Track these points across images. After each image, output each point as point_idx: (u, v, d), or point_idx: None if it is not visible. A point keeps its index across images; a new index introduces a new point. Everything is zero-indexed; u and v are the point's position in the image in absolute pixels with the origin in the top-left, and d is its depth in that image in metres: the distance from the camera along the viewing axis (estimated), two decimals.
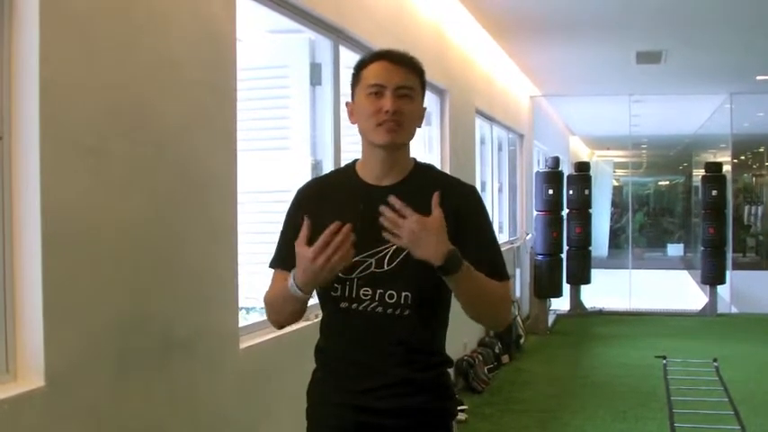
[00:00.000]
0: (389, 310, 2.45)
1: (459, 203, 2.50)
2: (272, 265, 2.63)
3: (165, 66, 3.10)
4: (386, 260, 2.44)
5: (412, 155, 2.61)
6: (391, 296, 2.44)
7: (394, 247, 2.41)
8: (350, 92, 2.59)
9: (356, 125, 2.55)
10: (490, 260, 2.51)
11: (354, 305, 2.47)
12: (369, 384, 2.48)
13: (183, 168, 3.21)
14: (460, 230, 2.44)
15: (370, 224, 2.42)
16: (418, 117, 2.53)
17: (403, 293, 2.44)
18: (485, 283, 2.44)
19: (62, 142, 2.52)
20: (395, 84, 2.46)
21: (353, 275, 2.46)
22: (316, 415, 2.62)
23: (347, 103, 2.60)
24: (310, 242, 2.38)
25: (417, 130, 2.55)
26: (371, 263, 2.45)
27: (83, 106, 2.62)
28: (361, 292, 2.46)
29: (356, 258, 2.43)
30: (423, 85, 2.55)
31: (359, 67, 2.55)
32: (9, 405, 2.33)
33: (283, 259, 2.56)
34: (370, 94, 2.47)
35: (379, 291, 2.45)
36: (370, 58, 2.54)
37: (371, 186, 2.54)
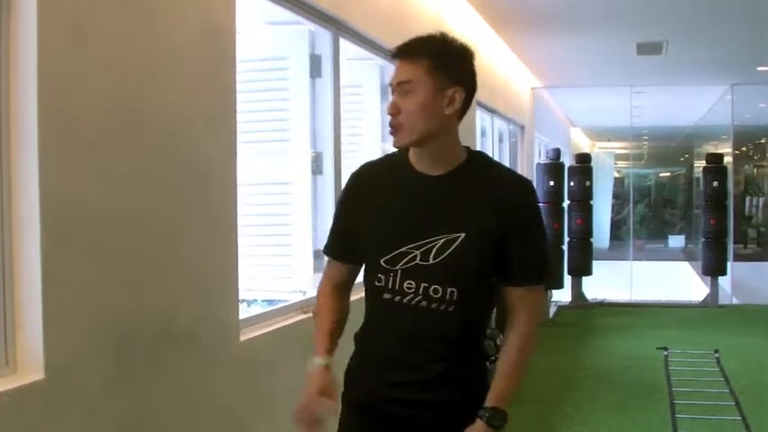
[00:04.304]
0: (434, 305, 2.41)
1: (513, 200, 2.45)
2: (325, 251, 2.66)
3: (164, 59, 3.09)
4: (432, 253, 2.40)
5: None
6: (436, 291, 2.41)
7: (442, 240, 2.38)
8: None
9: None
10: (533, 264, 2.48)
11: (398, 297, 2.44)
12: (406, 377, 2.47)
13: (182, 161, 3.20)
14: (509, 229, 2.40)
15: (419, 215, 2.43)
16: (429, 107, 2.39)
17: (449, 289, 2.40)
18: (521, 375, 2.49)
19: (61, 137, 2.51)
20: (395, 81, 2.42)
21: (398, 267, 2.42)
22: (351, 402, 2.60)
23: None
24: (360, 235, 2.50)
25: (446, 113, 2.41)
26: (417, 255, 2.41)
27: (81, 101, 2.61)
28: (405, 284, 2.42)
29: (402, 249, 2.41)
30: (437, 66, 2.40)
31: None
32: (9, 398, 2.33)
33: (336, 248, 2.62)
34: (391, 95, 2.46)
35: (423, 284, 2.41)
36: (391, 54, 2.50)
37: (423, 176, 2.48)
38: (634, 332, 10.51)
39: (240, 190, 3.65)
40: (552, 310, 11.64)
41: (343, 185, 2.70)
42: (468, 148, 2.54)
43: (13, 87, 2.43)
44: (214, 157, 3.48)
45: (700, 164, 16.71)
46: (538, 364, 8.70)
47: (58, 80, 2.50)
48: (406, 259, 2.41)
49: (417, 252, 2.40)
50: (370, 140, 5.90)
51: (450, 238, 2.38)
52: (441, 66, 2.41)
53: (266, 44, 4.89)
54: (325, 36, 4.87)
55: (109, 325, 2.75)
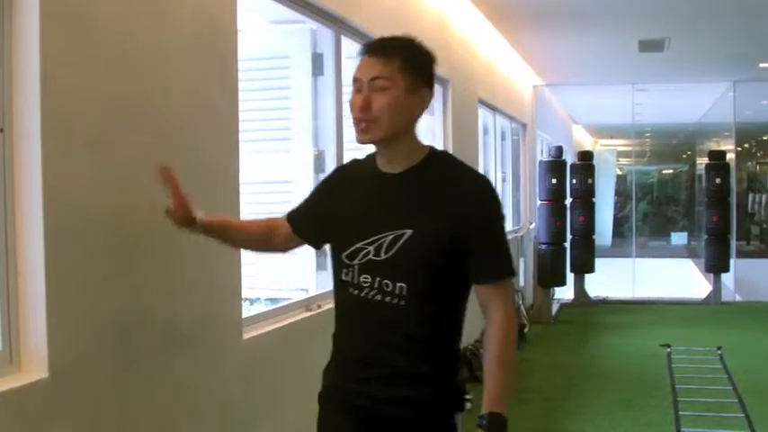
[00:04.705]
0: (387, 299, 2.45)
1: (469, 198, 2.48)
2: (287, 213, 2.80)
3: (166, 57, 3.10)
4: (383, 249, 2.45)
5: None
6: (387, 285, 2.45)
7: (390, 236, 2.43)
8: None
9: None
10: (494, 261, 2.51)
11: (356, 291, 2.49)
12: (371, 372, 2.50)
13: (184, 160, 3.20)
14: (465, 228, 2.43)
15: (374, 212, 2.50)
16: (401, 105, 2.45)
17: (398, 284, 2.44)
18: (511, 374, 2.53)
19: (64, 135, 2.51)
20: (368, 77, 2.44)
21: (355, 262, 2.48)
22: (325, 397, 2.65)
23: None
24: (322, 230, 2.66)
25: (415, 113, 2.51)
26: (370, 250, 2.46)
27: (84, 99, 2.61)
28: (362, 278, 2.48)
29: (358, 245, 2.47)
30: (409, 66, 2.47)
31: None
32: (13, 396, 2.34)
33: (296, 217, 2.77)
34: (353, 90, 2.48)
35: (377, 278, 2.46)
36: (358, 51, 2.53)
37: (382, 173, 2.55)
38: (637, 329, 10.51)
39: (242, 188, 3.65)
40: (555, 307, 11.65)
41: None
42: (431, 147, 2.59)
43: (16, 85, 2.43)
44: (216, 156, 3.48)
45: (702, 161, 16.71)
46: (541, 361, 8.72)
47: (61, 78, 2.50)
48: (361, 254, 2.47)
49: (371, 248, 2.46)
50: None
51: (398, 234, 2.43)
52: (412, 66, 2.48)
53: (268, 43, 4.90)
54: (326, 34, 4.87)
55: (112, 323, 2.76)
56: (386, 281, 2.44)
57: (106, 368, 2.72)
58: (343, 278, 2.53)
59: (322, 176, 4.84)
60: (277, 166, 4.81)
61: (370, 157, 2.62)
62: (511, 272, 2.54)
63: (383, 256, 2.44)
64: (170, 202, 2.62)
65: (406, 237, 2.42)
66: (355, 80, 2.47)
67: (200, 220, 2.69)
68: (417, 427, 2.48)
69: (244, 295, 3.79)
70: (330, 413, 2.62)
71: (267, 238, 2.86)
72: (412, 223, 2.43)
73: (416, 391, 2.48)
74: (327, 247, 2.72)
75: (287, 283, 4.64)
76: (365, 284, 2.47)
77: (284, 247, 2.93)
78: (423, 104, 2.53)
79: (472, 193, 2.49)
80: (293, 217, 2.79)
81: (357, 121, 2.45)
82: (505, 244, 2.56)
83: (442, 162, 2.58)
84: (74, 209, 2.57)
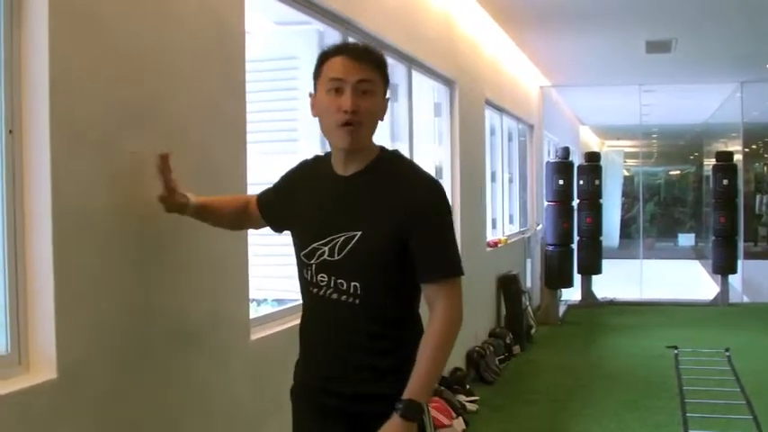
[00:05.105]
0: (343, 297, 2.54)
1: (414, 195, 2.54)
2: (259, 193, 2.94)
3: (173, 59, 3.10)
4: (336, 249, 2.53)
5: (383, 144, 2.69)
6: (341, 284, 2.54)
7: (342, 237, 2.52)
8: (312, 83, 2.62)
9: (317, 118, 2.61)
10: (439, 260, 2.55)
11: (315, 290, 2.60)
12: (335, 370, 2.60)
13: (192, 161, 3.21)
14: (411, 227, 2.50)
15: (328, 213, 2.58)
16: (380, 112, 2.57)
17: (352, 283, 2.53)
18: (437, 366, 2.52)
19: (72, 136, 2.52)
20: (355, 78, 2.48)
21: (312, 261, 2.58)
22: (296, 393, 2.77)
23: (310, 95, 2.63)
24: (284, 223, 2.80)
25: (380, 123, 2.62)
26: (325, 251, 2.55)
27: (92, 101, 2.62)
28: (318, 277, 2.57)
29: (314, 245, 2.57)
30: (385, 78, 2.58)
31: (320, 61, 2.58)
32: (21, 397, 2.34)
33: (264, 204, 2.90)
34: (330, 90, 2.51)
35: (332, 278, 2.55)
36: (332, 51, 2.57)
37: (335, 175, 2.62)
38: (644, 331, 10.50)
39: (250, 189, 3.66)
40: (562, 309, 11.64)
41: None
42: (381, 147, 2.66)
43: (25, 87, 2.44)
44: (224, 157, 3.49)
45: (709, 162, 16.66)
46: (548, 362, 8.72)
47: (69, 80, 2.51)
48: (317, 254, 2.57)
49: (325, 248, 2.55)
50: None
51: (349, 235, 2.52)
52: (385, 75, 2.58)
53: (275, 44, 4.90)
54: (333, 36, 4.87)
55: (120, 324, 2.76)
56: (340, 280, 2.54)
57: (114, 369, 2.73)
58: (304, 275, 2.63)
59: None
60: (284, 166, 4.80)
61: (328, 157, 2.70)
62: (456, 271, 2.57)
63: (336, 257, 2.53)
64: (162, 188, 2.76)
65: (356, 238, 2.51)
66: (334, 80, 2.49)
67: (193, 204, 2.85)
68: (382, 422, 2.49)
69: (251, 296, 3.79)
70: (301, 413, 2.74)
71: (239, 218, 3.05)
72: (361, 225, 2.52)
73: (380, 386, 2.55)
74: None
75: (294, 284, 4.63)
76: (322, 283, 2.58)
77: (253, 226, 3.19)
78: (385, 111, 2.63)
79: (418, 193, 2.55)
80: (262, 202, 2.93)
81: (345, 123, 2.48)
82: (452, 243, 2.60)
83: (391, 163, 2.64)
84: (82, 210, 2.57)
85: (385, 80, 2.58)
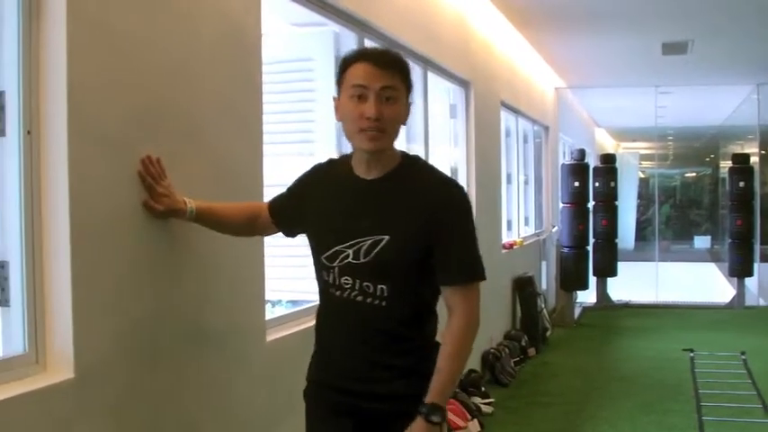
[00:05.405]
0: (369, 300, 2.57)
1: (438, 200, 2.58)
2: (270, 200, 2.96)
3: (191, 60, 3.11)
4: (361, 252, 2.55)
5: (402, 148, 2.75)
6: (368, 287, 2.57)
7: (369, 241, 2.54)
8: (336, 88, 2.64)
9: (338, 122, 2.64)
10: (461, 265, 2.59)
11: (338, 292, 2.62)
12: (350, 367, 2.64)
13: (208, 163, 3.22)
14: (435, 232, 2.54)
15: (352, 216, 2.60)
16: (403, 118, 2.60)
17: (378, 286, 2.56)
18: (458, 369, 2.60)
19: (90, 138, 2.53)
20: (378, 86, 2.50)
21: (335, 264, 2.60)
22: (309, 393, 2.80)
23: (333, 99, 2.65)
24: (297, 226, 2.83)
25: (402, 128, 2.64)
26: (349, 254, 2.57)
27: (109, 103, 2.63)
28: (342, 280, 2.60)
29: (337, 248, 2.59)
30: (408, 83, 2.59)
31: (343, 66, 2.60)
32: (39, 396, 2.35)
33: (277, 210, 2.91)
34: (353, 96, 2.53)
35: (357, 280, 2.57)
36: (354, 57, 2.59)
37: (359, 180, 2.64)
38: (659, 334, 10.47)
39: (266, 191, 3.66)
40: (577, 311, 11.62)
41: None
42: (403, 152, 2.69)
43: (44, 89, 2.45)
44: (241, 158, 3.49)
45: (725, 164, 16.60)
46: (563, 364, 8.70)
47: (87, 82, 2.52)
48: (340, 257, 2.59)
49: (349, 251, 2.58)
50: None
51: (376, 239, 2.54)
52: (408, 80, 2.60)
53: (291, 45, 4.91)
54: (349, 37, 4.88)
55: (137, 324, 2.77)
56: (366, 283, 2.57)
57: (131, 369, 2.74)
58: (325, 278, 2.65)
59: None
60: (299, 168, 4.81)
61: (345, 160, 2.73)
62: (478, 276, 2.62)
63: (362, 260, 2.56)
64: (149, 195, 2.76)
65: (383, 242, 2.54)
66: (357, 86, 2.52)
67: (191, 211, 2.84)
68: (399, 420, 2.54)
69: (266, 297, 3.80)
70: (314, 412, 2.78)
71: (249, 225, 3.05)
72: (388, 229, 2.54)
73: (397, 385, 2.60)
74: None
75: (309, 286, 4.64)
76: (346, 286, 2.60)
77: (262, 233, 3.22)
78: (408, 117, 2.64)
79: (443, 198, 2.60)
80: (274, 209, 2.92)
81: (367, 129, 2.51)
82: (475, 248, 2.63)
83: (414, 168, 2.68)
84: (99, 211, 2.58)
85: (408, 85, 2.59)
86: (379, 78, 2.50)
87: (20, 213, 2.43)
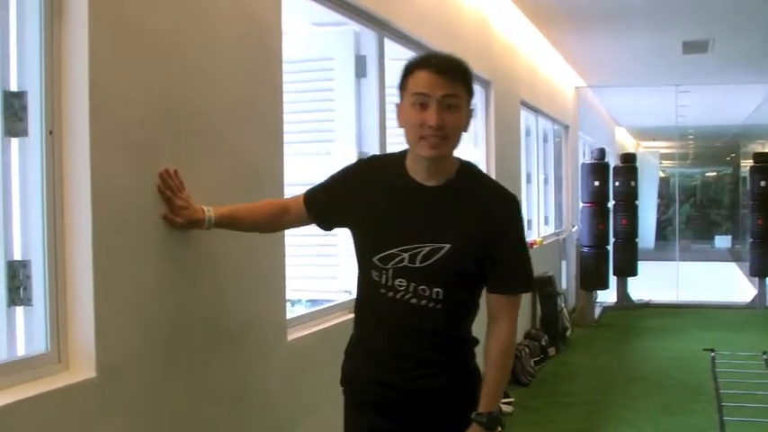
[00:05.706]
0: (423, 302, 2.60)
1: (497, 210, 2.64)
2: (306, 192, 2.91)
3: (212, 59, 3.12)
4: (419, 257, 2.58)
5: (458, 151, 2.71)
6: (424, 290, 2.60)
7: (429, 247, 2.57)
8: (398, 93, 2.65)
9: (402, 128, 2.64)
10: (515, 275, 2.67)
11: (391, 293, 2.63)
12: (398, 366, 2.67)
13: (229, 161, 3.22)
14: (493, 241, 2.60)
15: (411, 222, 2.62)
16: (464, 125, 2.60)
17: (434, 289, 2.59)
18: (506, 376, 2.71)
19: (111, 137, 2.53)
20: (440, 93, 2.51)
21: (389, 266, 2.61)
22: (348, 390, 2.86)
23: (396, 105, 2.66)
24: (338, 221, 2.84)
25: (467, 131, 2.64)
26: (405, 257, 2.59)
27: (131, 102, 2.64)
28: (396, 282, 2.61)
29: (392, 251, 2.60)
30: (469, 90, 2.60)
31: (405, 72, 2.61)
32: (61, 395, 2.36)
33: (314, 201, 2.87)
34: (415, 104, 2.54)
35: (412, 284, 2.59)
36: (417, 64, 2.59)
37: (418, 185, 2.64)
38: (680, 333, 10.43)
39: (287, 190, 3.67)
40: (597, 311, 11.58)
41: None
42: (459, 159, 2.71)
43: (66, 89, 2.46)
44: (261, 157, 3.50)
45: (746, 163, 16.48)
46: (583, 364, 8.67)
47: (109, 82, 2.53)
48: (395, 260, 2.61)
49: (405, 255, 2.59)
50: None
51: (436, 247, 2.57)
52: (470, 88, 2.60)
53: (311, 45, 4.91)
54: (369, 37, 4.88)
55: (159, 323, 2.78)
56: (422, 286, 2.59)
57: (153, 367, 2.75)
58: (375, 278, 2.66)
59: None
60: (320, 167, 4.82)
61: (395, 160, 2.73)
62: (528, 288, 2.74)
63: (419, 264, 2.58)
64: (168, 208, 2.75)
65: (444, 250, 2.57)
66: (419, 94, 2.52)
67: (210, 220, 2.83)
68: (442, 412, 2.67)
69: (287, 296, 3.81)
70: (353, 405, 2.84)
71: (275, 221, 3.04)
72: (449, 238, 2.57)
73: (439, 381, 2.66)
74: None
75: (330, 285, 4.65)
76: (400, 288, 2.61)
77: (289, 227, 3.23)
78: (469, 124, 2.65)
79: (502, 209, 2.66)
80: (311, 201, 2.89)
81: (429, 137, 2.52)
82: (528, 259, 2.71)
83: (471, 176, 2.71)
84: (121, 210, 2.59)
85: (469, 92, 2.60)
86: (441, 86, 2.50)
87: (42, 213, 2.44)
